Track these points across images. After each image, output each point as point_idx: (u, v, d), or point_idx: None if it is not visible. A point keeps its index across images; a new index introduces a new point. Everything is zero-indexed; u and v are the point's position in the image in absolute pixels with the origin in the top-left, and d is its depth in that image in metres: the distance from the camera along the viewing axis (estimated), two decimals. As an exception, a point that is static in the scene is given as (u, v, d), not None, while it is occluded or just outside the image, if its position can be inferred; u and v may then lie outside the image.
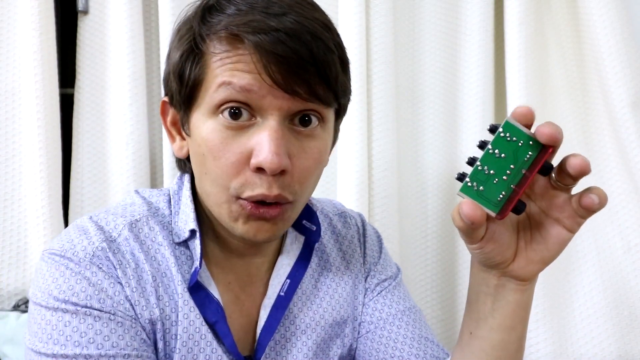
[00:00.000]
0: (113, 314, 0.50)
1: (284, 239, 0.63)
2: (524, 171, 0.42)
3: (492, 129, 0.41)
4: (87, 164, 0.99)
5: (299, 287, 0.61)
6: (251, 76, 0.48)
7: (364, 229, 0.71)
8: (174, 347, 0.53)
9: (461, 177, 0.41)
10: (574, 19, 1.07)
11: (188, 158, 0.58)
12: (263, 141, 0.48)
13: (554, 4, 1.08)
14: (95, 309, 0.49)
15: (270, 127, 0.49)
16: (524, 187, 0.42)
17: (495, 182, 0.41)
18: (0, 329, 0.90)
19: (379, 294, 0.66)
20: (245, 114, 0.49)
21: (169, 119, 0.58)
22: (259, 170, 0.49)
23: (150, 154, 1.01)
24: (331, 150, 0.62)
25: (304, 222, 0.63)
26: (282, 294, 0.58)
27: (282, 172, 0.49)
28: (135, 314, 0.51)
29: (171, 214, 0.58)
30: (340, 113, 0.58)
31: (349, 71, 0.56)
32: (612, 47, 1.01)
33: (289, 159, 0.50)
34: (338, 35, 0.53)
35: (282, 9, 0.49)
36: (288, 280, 0.59)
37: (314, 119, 0.52)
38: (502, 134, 0.40)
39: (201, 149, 0.51)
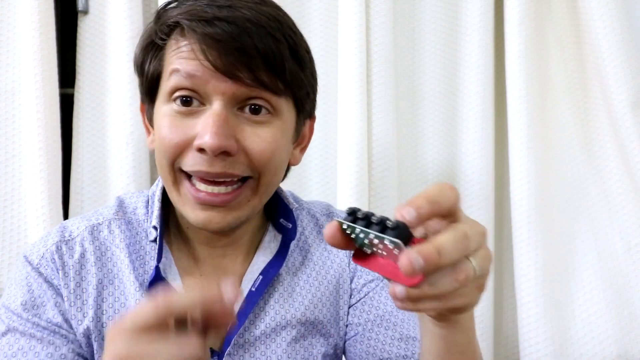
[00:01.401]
0: (39, 328, 0.53)
1: (263, 236, 0.64)
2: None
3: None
4: (87, 164, 0.99)
5: (278, 284, 0.62)
6: (195, 62, 0.51)
7: None
8: None
9: (352, 213, 0.35)
10: (574, 19, 1.07)
11: None
12: (206, 123, 0.51)
13: (554, 4, 1.08)
14: (24, 319, 0.54)
15: (212, 111, 0.51)
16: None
17: (366, 242, 0.35)
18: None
19: (365, 295, 0.66)
20: (194, 101, 0.52)
21: (147, 115, 0.62)
22: (202, 150, 0.51)
23: (150, 154, 1.01)
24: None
25: (281, 220, 0.64)
26: (253, 289, 0.60)
27: (227, 154, 0.51)
28: (67, 320, 0.54)
29: (147, 214, 0.61)
30: (300, 109, 0.59)
31: (308, 66, 0.57)
32: (612, 47, 1.00)
33: (239, 142, 0.52)
34: (291, 29, 0.55)
35: (229, 1, 0.52)
36: (260, 277, 0.60)
37: (262, 109, 0.53)
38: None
39: (156, 135, 0.55)
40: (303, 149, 0.65)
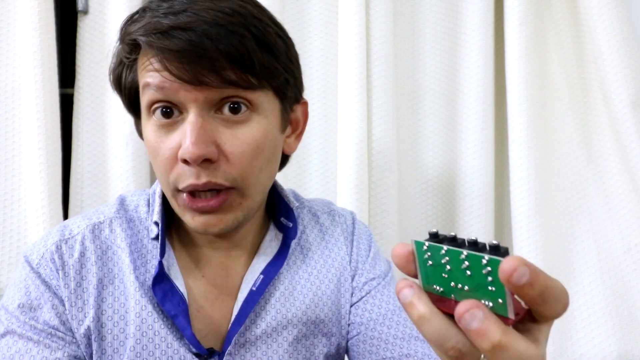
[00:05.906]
0: (36, 331, 0.54)
1: (264, 236, 0.64)
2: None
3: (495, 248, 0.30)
4: (87, 164, 0.99)
5: (279, 283, 0.62)
6: (161, 74, 0.50)
7: (354, 227, 0.71)
8: (124, 346, 0.55)
9: (434, 235, 0.32)
10: (574, 19, 1.07)
11: None
12: (185, 134, 0.50)
13: (554, 4, 1.08)
14: (21, 322, 0.54)
15: (189, 120, 0.51)
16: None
17: (443, 275, 0.32)
18: (0, 329, 0.90)
19: (367, 293, 0.66)
20: (174, 111, 0.52)
21: (137, 129, 0.62)
22: (186, 162, 0.51)
23: (150, 154, 1.01)
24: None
25: (282, 219, 0.64)
26: (253, 288, 0.60)
27: (209, 161, 0.51)
28: (67, 321, 0.55)
29: (148, 211, 0.62)
30: (282, 96, 0.56)
31: (281, 52, 0.54)
32: (612, 47, 1.01)
33: (219, 147, 0.51)
34: (256, 18, 0.52)
35: (184, 5, 0.50)
36: (262, 276, 0.60)
37: (242, 106, 0.52)
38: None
39: (147, 149, 0.55)
40: (299, 136, 0.63)
